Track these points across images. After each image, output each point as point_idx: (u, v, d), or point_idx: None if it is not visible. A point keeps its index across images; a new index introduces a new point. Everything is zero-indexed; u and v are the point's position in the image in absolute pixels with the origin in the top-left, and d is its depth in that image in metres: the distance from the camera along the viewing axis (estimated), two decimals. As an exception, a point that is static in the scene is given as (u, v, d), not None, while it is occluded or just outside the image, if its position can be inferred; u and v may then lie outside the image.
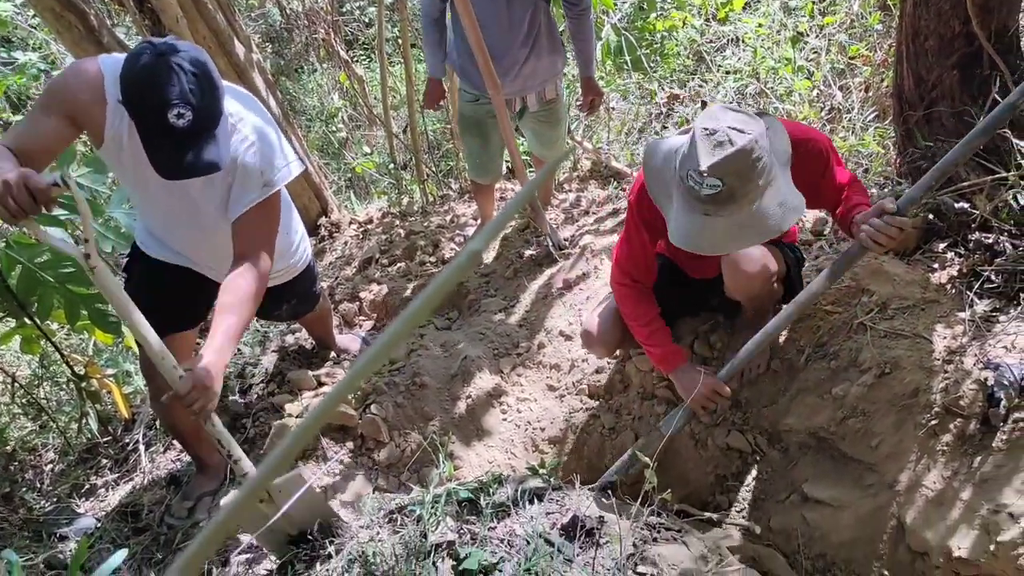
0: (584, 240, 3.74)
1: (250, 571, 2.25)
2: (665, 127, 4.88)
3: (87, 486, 3.10)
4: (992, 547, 1.93)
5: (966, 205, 2.66)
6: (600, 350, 2.80)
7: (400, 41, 5.34)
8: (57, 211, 2.70)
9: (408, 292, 3.95)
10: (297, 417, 2.92)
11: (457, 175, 5.55)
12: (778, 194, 2.02)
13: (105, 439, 3.27)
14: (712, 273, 2.53)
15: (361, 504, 2.47)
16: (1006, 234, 2.56)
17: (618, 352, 2.90)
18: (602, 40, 4.67)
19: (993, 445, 2.10)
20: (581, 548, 1.96)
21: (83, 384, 3.07)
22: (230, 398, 3.20)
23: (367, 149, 6.58)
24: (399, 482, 2.76)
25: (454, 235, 4.41)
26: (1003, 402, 2.09)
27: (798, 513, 2.41)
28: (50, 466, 3.27)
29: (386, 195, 5.83)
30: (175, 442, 3.18)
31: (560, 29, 3.92)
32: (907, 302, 2.51)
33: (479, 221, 4.32)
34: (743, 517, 2.50)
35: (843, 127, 3.92)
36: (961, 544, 2.00)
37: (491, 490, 2.20)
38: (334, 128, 6.81)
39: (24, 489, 3.05)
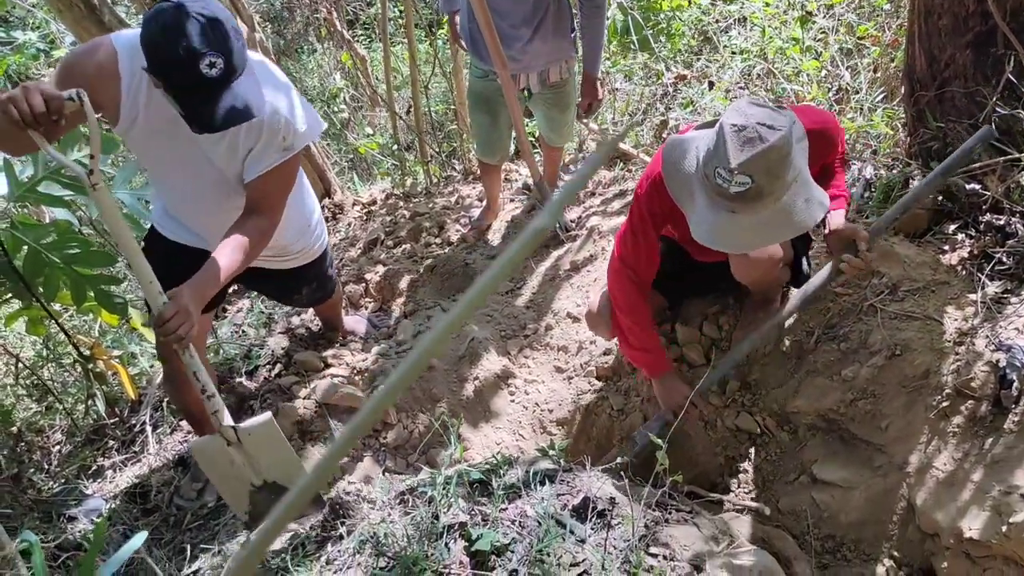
0: (591, 222, 3.72)
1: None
2: (670, 108, 4.84)
3: (95, 467, 3.10)
4: (1004, 528, 1.93)
5: (977, 187, 2.64)
6: (605, 331, 2.79)
7: (403, 21, 5.30)
8: (61, 191, 2.68)
9: (415, 274, 3.94)
10: (304, 399, 2.92)
11: (461, 156, 5.52)
12: (804, 189, 2.00)
13: (112, 420, 3.27)
14: (719, 257, 2.52)
15: (371, 485, 2.47)
16: (1018, 215, 2.55)
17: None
18: (608, 20, 4.63)
19: (1005, 427, 2.09)
20: (592, 529, 1.96)
21: (89, 365, 3.07)
22: (237, 380, 3.20)
23: (370, 130, 6.55)
24: (407, 463, 2.76)
25: (459, 216, 4.40)
26: (1015, 383, 2.09)
27: (807, 494, 2.41)
28: (57, 447, 3.27)
29: (389, 176, 5.80)
30: (183, 423, 3.19)
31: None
32: (917, 284, 2.50)
33: (484, 202, 4.30)
34: (752, 498, 2.50)
35: (851, 108, 3.89)
36: (972, 525, 2.00)
37: (502, 471, 2.20)
38: (336, 109, 6.77)
39: (32, 470, 3.06)
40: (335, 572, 2.02)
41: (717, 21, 5.12)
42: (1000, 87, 2.57)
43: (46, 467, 3.14)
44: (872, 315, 2.49)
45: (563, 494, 2.10)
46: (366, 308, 3.90)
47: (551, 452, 2.28)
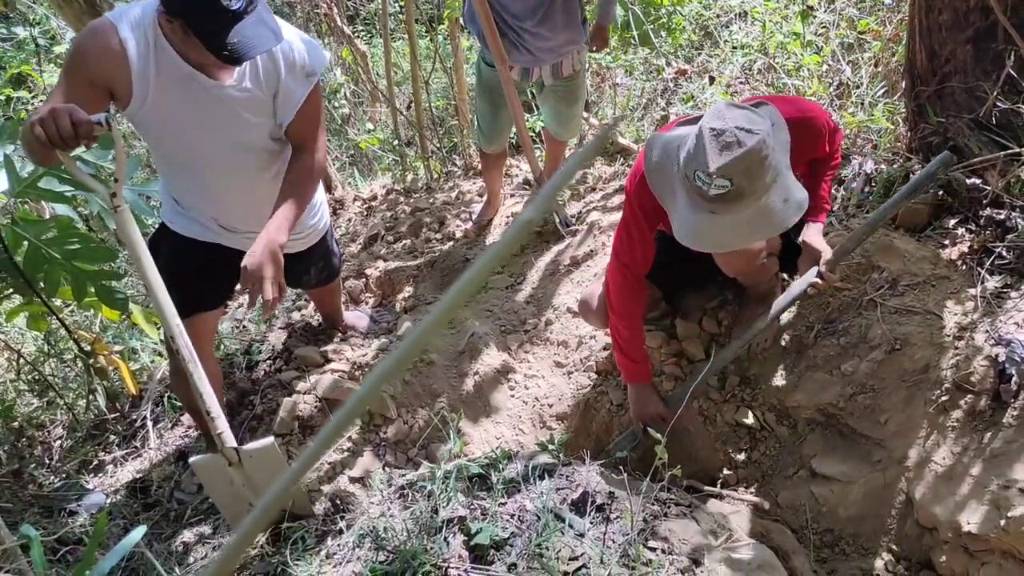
0: (591, 217, 3.72)
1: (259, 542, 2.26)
2: (671, 103, 4.84)
3: (95, 462, 3.11)
4: (1002, 522, 1.93)
5: (978, 181, 2.64)
6: (596, 322, 2.79)
7: (403, 16, 5.30)
8: (61, 187, 2.69)
9: (416, 269, 3.94)
10: (305, 395, 2.92)
11: (462, 151, 5.52)
12: (783, 190, 2.01)
13: (113, 415, 3.27)
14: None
15: (370, 480, 2.48)
16: (1018, 210, 2.55)
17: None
18: (609, 14, 4.62)
19: (1004, 421, 2.10)
20: (592, 523, 1.96)
21: (90, 361, 3.08)
22: (237, 375, 3.20)
23: (370, 126, 6.54)
24: (407, 458, 2.77)
25: (459, 212, 4.40)
26: (1014, 378, 2.09)
27: (806, 488, 2.41)
28: (58, 442, 3.28)
29: (390, 172, 5.80)
30: (183, 418, 3.19)
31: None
32: (917, 278, 2.50)
33: (485, 197, 4.30)
34: (752, 493, 2.50)
35: (852, 102, 3.89)
36: (971, 519, 2.00)
37: (501, 466, 2.21)
38: (337, 104, 6.77)
39: (33, 465, 3.07)
40: (335, 566, 2.03)
41: (718, 16, 5.12)
42: (1000, 82, 2.57)
43: (47, 462, 3.15)
44: (872, 310, 2.49)
45: (562, 488, 2.10)
46: (367, 303, 3.91)
47: (550, 447, 2.29)
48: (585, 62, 3.65)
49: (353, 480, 2.60)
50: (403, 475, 2.35)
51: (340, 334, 3.42)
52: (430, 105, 5.69)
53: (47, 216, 3.97)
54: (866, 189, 3.08)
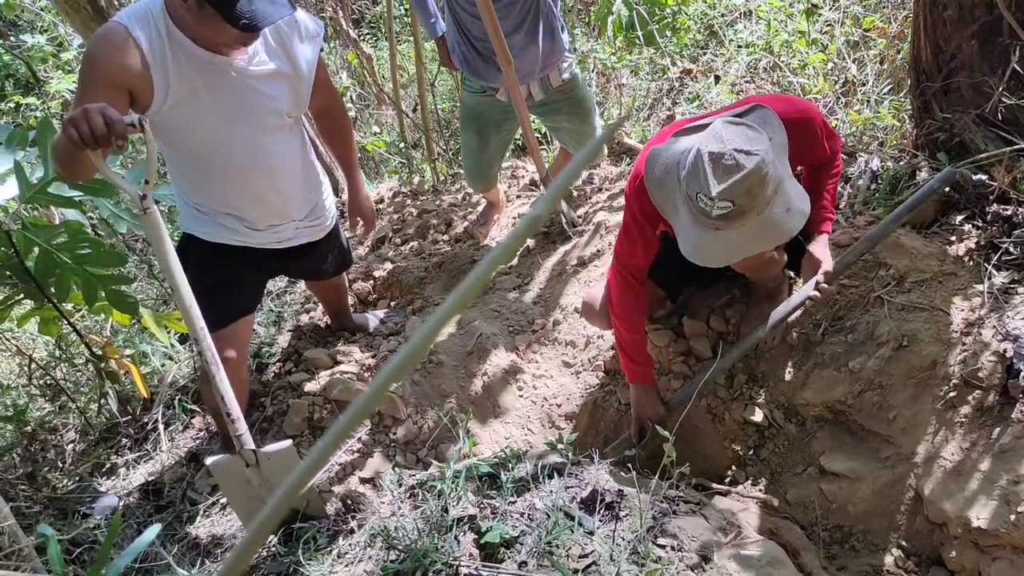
0: (598, 217, 3.73)
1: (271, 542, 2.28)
2: (676, 103, 4.85)
3: (108, 465, 3.13)
4: (1012, 517, 1.93)
5: (984, 177, 2.64)
6: (599, 323, 2.80)
7: (409, 19, 5.31)
8: (75, 193, 2.71)
9: (423, 271, 3.95)
10: (314, 396, 2.94)
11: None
12: (785, 200, 2.01)
13: (125, 419, 3.29)
14: None
15: (381, 480, 2.50)
16: (1024, 206, 2.55)
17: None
18: (613, 15, 4.64)
19: (1012, 416, 2.10)
20: (601, 521, 1.97)
21: (102, 365, 3.10)
22: (248, 378, 3.22)
23: (376, 128, 6.56)
24: (417, 459, 2.78)
25: (466, 214, 4.41)
26: (1022, 373, 2.09)
27: (815, 485, 2.42)
28: (71, 446, 3.30)
29: (397, 174, 5.82)
30: (194, 421, 3.22)
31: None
32: (924, 275, 2.50)
33: (485, 203, 4.32)
34: (761, 490, 2.51)
35: (858, 100, 3.89)
36: (980, 515, 2.01)
37: (511, 465, 2.22)
38: (347, 113, 6.78)
39: (46, 468, 3.09)
40: (346, 565, 2.04)
41: (723, 15, 5.12)
42: (1006, 77, 2.57)
43: (60, 465, 3.17)
44: (879, 306, 2.49)
45: (571, 487, 2.11)
46: (374, 305, 3.93)
47: (559, 446, 2.30)
48: (577, 70, 3.60)
49: (364, 481, 2.62)
50: (413, 475, 2.37)
51: (348, 336, 3.44)
52: (436, 107, 5.71)
53: (56, 221, 4.00)
54: (872, 186, 3.08)
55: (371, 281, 3.99)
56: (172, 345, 3.61)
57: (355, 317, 3.49)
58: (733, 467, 2.63)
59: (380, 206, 4.87)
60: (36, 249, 2.72)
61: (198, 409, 3.26)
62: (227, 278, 2.56)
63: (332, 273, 3.10)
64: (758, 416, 2.61)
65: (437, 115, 5.78)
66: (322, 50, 2.44)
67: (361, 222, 2.96)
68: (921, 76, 2.91)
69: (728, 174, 1.89)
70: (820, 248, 2.41)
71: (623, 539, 1.90)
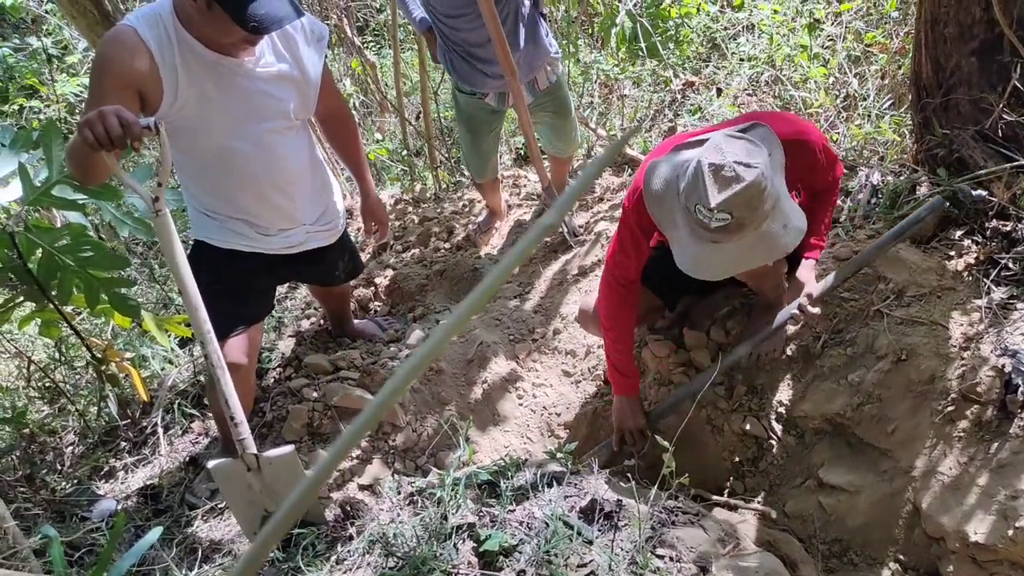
0: (599, 227, 3.74)
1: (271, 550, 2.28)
2: (678, 114, 4.87)
3: (107, 468, 3.13)
4: (1010, 532, 1.94)
5: (984, 193, 2.66)
6: (595, 330, 2.81)
7: (412, 27, 5.32)
8: (78, 196, 2.72)
9: (425, 278, 3.96)
10: (314, 403, 2.94)
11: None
12: (783, 215, 2.03)
13: (124, 422, 3.29)
14: None
15: (380, 487, 2.50)
16: (1024, 222, 2.56)
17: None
18: (617, 26, 4.66)
19: (1010, 431, 2.11)
20: (600, 530, 1.98)
21: (102, 367, 3.10)
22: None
23: (379, 136, 6.58)
24: (416, 466, 2.78)
25: (468, 221, 4.42)
26: (1021, 388, 2.10)
27: (814, 498, 2.42)
28: (70, 448, 3.30)
29: (399, 181, 5.83)
30: (193, 425, 3.22)
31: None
32: (924, 289, 2.51)
33: (486, 210, 4.34)
34: (759, 502, 2.51)
35: (859, 115, 3.91)
36: (978, 529, 2.01)
37: (510, 473, 2.23)
38: (353, 116, 6.79)
39: (45, 471, 3.08)
40: (345, 572, 2.04)
41: (726, 28, 5.15)
42: (1006, 94, 2.59)
43: (59, 468, 3.17)
44: (878, 320, 2.50)
45: (570, 496, 2.12)
46: (375, 312, 3.93)
47: (559, 455, 2.30)
48: (561, 73, 3.65)
49: (363, 487, 2.62)
50: (412, 482, 2.37)
51: (349, 342, 3.44)
52: (439, 115, 5.73)
53: (59, 224, 4.01)
54: (872, 200, 3.10)
55: (372, 288, 4.00)
56: (172, 349, 3.61)
57: (356, 324, 3.50)
58: (732, 478, 2.64)
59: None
60: (39, 251, 2.73)
61: (197, 413, 3.27)
62: (239, 284, 2.57)
63: (344, 279, 3.11)
64: (757, 428, 2.62)
65: (440, 123, 5.80)
66: (325, 56, 2.45)
67: (375, 225, 2.94)
68: (921, 92, 2.92)
69: (728, 185, 1.91)
70: (805, 272, 2.45)
71: (622, 549, 1.90)
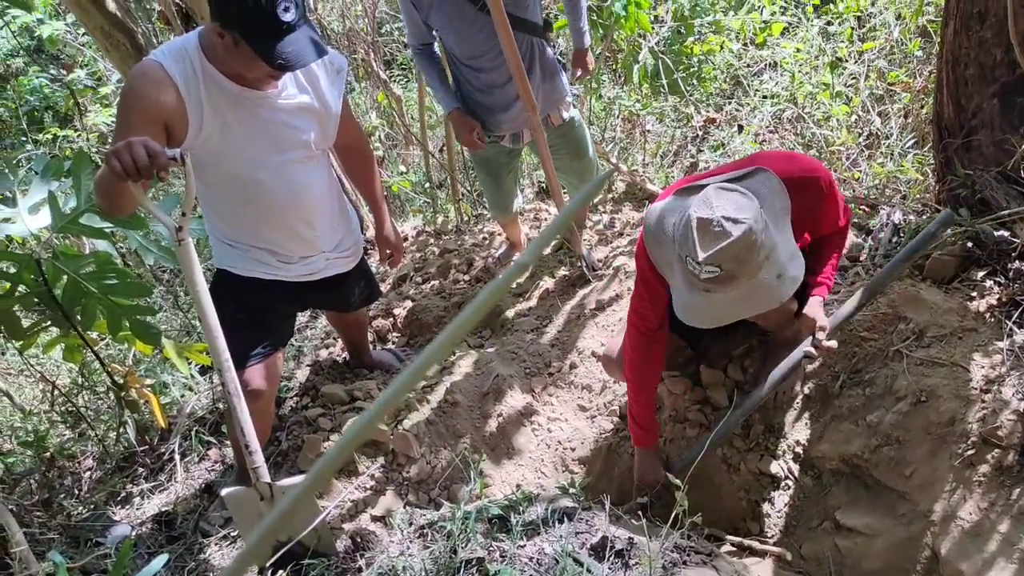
0: (618, 261, 3.74)
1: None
2: (700, 150, 4.88)
3: (123, 494, 3.15)
4: (1030, 581, 1.89)
5: (1006, 234, 2.63)
6: (619, 375, 2.79)
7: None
8: (105, 224, 2.77)
9: (443, 310, 3.98)
10: (331, 432, 2.95)
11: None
12: (777, 266, 2.02)
13: (142, 448, 3.32)
14: None
15: (392, 519, 2.49)
16: (1047, 263, 2.53)
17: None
18: (640, 63, 4.70)
19: (1032, 477, 2.06)
20: (610, 569, 1.96)
21: (123, 393, 3.14)
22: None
23: (403, 168, 6.65)
24: (429, 498, 2.78)
25: (488, 254, 4.45)
26: (1043, 433, 2.06)
27: (830, 540, 2.38)
28: (88, 473, 3.33)
29: (421, 213, 5.89)
30: (210, 452, 3.23)
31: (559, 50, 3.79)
32: (944, 330, 2.48)
33: (506, 243, 4.37)
34: (774, 543, 2.47)
35: (881, 153, 3.90)
36: (998, 577, 1.97)
37: (521, 508, 2.21)
38: (371, 147, 6.88)
39: (63, 495, 3.11)
40: (353, 604, 2.03)
41: (748, 66, 5.17)
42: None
43: (76, 492, 3.20)
44: (898, 360, 2.47)
45: (582, 532, 2.10)
46: (394, 343, 3.95)
47: (571, 490, 2.29)
48: (577, 111, 3.64)
49: (375, 519, 2.62)
50: (424, 515, 2.36)
51: (367, 372, 3.46)
52: (462, 150, 5.78)
53: (86, 251, 4.08)
54: (894, 239, 3.07)
55: (391, 319, 4.02)
56: (192, 376, 3.65)
57: (374, 354, 3.51)
58: (747, 518, 2.60)
59: (403, 244, 4.92)
60: (64, 278, 2.78)
61: (214, 441, 3.29)
62: (260, 312, 2.61)
63: (360, 304, 3.14)
64: (774, 468, 2.58)
65: (463, 156, 5.85)
66: (353, 89, 2.50)
67: (390, 252, 3.00)
68: (943, 132, 2.92)
69: (715, 241, 1.91)
70: (813, 308, 2.38)
71: (632, 588, 1.88)
